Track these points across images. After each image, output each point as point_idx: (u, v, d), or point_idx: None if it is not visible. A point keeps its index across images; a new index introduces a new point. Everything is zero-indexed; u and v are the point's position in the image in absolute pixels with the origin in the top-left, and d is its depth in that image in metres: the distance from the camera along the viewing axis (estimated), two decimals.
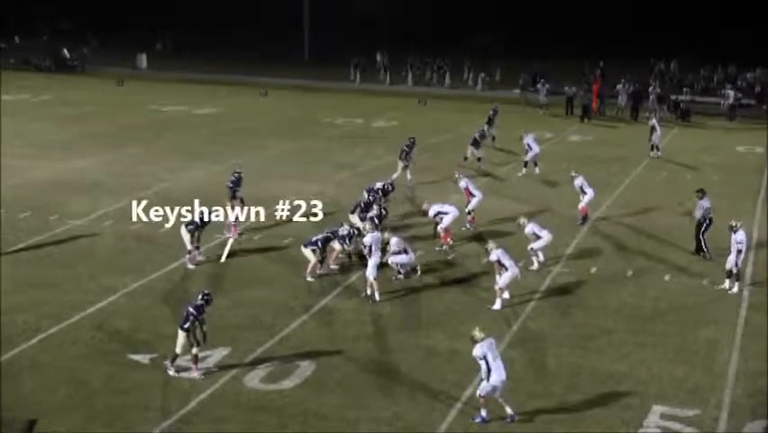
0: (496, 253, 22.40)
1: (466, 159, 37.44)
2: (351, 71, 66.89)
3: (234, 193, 28.24)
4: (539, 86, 57.32)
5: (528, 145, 37.17)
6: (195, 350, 18.50)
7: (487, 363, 16.86)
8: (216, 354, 19.45)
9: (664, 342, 20.75)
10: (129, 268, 24.74)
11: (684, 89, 55.32)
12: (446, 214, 26.81)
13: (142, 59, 71.63)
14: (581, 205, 29.76)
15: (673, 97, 55.44)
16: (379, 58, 69.54)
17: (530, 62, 65.10)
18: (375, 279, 22.89)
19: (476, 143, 37.67)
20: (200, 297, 18.90)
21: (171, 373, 18.51)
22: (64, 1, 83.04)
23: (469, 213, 28.83)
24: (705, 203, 26.92)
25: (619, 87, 55.92)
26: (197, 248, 24.97)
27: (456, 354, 19.74)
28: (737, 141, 45.80)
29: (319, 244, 24.14)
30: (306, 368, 19.04)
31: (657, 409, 17.67)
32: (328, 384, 18.45)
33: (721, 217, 26.63)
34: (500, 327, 21.29)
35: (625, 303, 22.98)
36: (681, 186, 34.52)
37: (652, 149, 40.96)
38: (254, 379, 18.59)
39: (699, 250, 26.60)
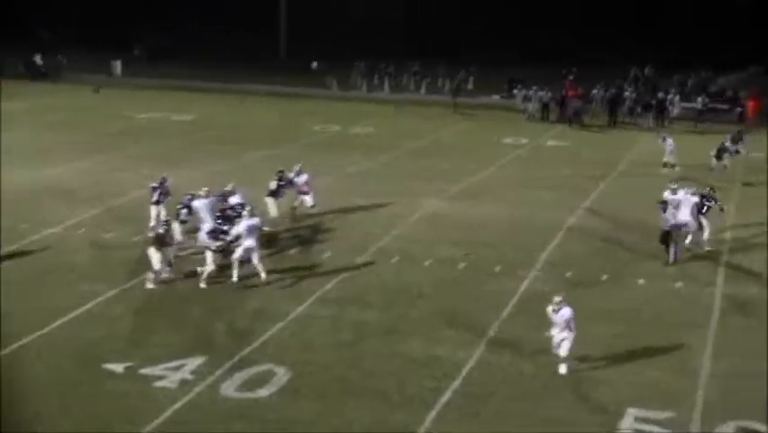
0: (569, 310, 19.41)
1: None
2: (327, 79, 66.76)
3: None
4: (515, 91, 57.57)
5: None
6: None
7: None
8: (192, 363, 19.40)
9: (639, 345, 20.82)
10: (103, 276, 24.65)
11: (660, 93, 55.59)
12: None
13: (117, 66, 71.43)
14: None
15: (651, 102, 55.55)
16: (359, 67, 69.40)
17: (506, 68, 65.22)
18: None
19: None
20: None
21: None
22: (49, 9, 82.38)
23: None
24: (670, 215, 26.91)
25: (595, 92, 56.23)
26: (170, 264, 24.75)
27: (433, 361, 19.77)
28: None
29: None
30: (282, 376, 19.00)
31: (632, 411, 17.73)
32: (305, 392, 18.41)
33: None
34: (477, 331, 21.34)
35: (599, 307, 23.05)
36: (657, 191, 34.54)
37: (664, 165, 39.96)
38: (230, 387, 18.53)
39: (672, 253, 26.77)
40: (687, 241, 27.77)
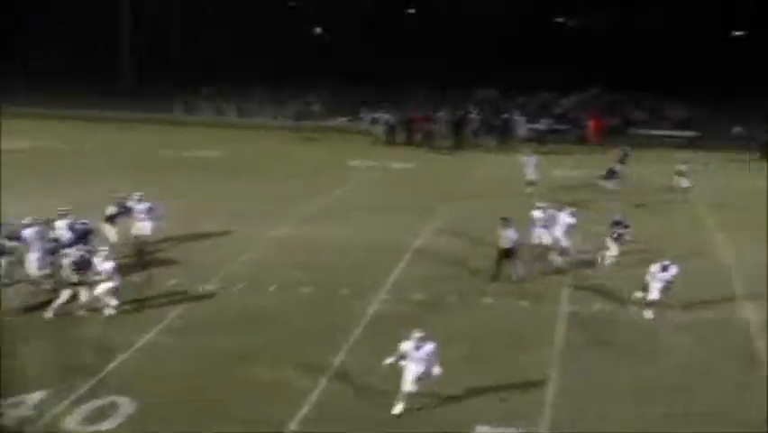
0: (432, 346, 18.77)
1: None
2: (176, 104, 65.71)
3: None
4: (362, 114, 57.87)
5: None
6: None
7: None
8: (32, 399, 18.72)
9: (486, 364, 21.01)
10: None
11: (504, 115, 56.61)
12: None
13: None
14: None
15: (495, 123, 56.48)
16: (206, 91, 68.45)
17: (353, 91, 65.38)
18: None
19: None
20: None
21: None
22: None
23: None
24: (512, 233, 27.25)
25: (441, 114, 56.86)
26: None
27: (280, 387, 19.57)
28: (556, 165, 47.02)
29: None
30: (127, 407, 18.50)
31: (481, 429, 17.88)
32: (150, 423, 17.96)
33: None
34: (324, 356, 21.19)
35: (448, 327, 23.11)
36: (504, 211, 34.97)
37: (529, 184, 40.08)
38: (73, 421, 17.96)
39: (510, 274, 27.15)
40: (558, 259, 28.41)
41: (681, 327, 23.85)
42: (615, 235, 28.61)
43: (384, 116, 55.45)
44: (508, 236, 27.08)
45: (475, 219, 34.03)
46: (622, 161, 41.48)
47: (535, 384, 20.14)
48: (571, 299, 25.82)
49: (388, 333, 21.17)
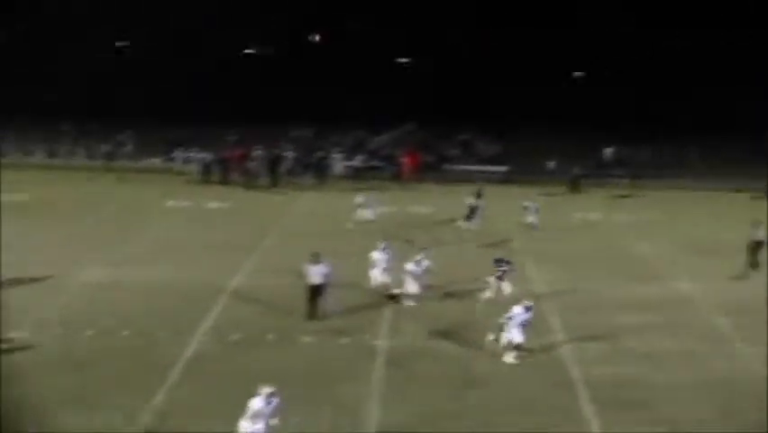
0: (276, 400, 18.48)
1: None
2: None
3: None
4: (176, 153, 57.08)
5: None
6: None
7: None
8: None
9: (309, 401, 20.84)
10: None
11: (319, 153, 56.68)
12: None
13: None
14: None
15: (311, 161, 56.48)
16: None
17: (166, 130, 64.24)
18: None
19: None
20: None
21: None
22: None
23: None
24: (323, 268, 27.24)
25: (258, 152, 56.49)
26: None
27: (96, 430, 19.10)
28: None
29: None
30: None
31: None
32: None
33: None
34: (142, 400, 20.71)
35: (265, 369, 22.87)
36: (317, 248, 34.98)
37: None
38: None
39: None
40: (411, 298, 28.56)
41: (497, 357, 24.24)
42: (499, 274, 28.94)
43: (198, 155, 54.83)
44: (318, 272, 27.01)
45: (293, 257, 33.84)
46: (478, 197, 41.84)
47: (357, 420, 20.21)
48: (390, 334, 25.95)
49: (206, 375, 20.81)
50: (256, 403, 17.92)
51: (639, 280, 32.88)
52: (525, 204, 41.16)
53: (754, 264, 34.50)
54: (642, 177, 56.13)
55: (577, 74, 77.96)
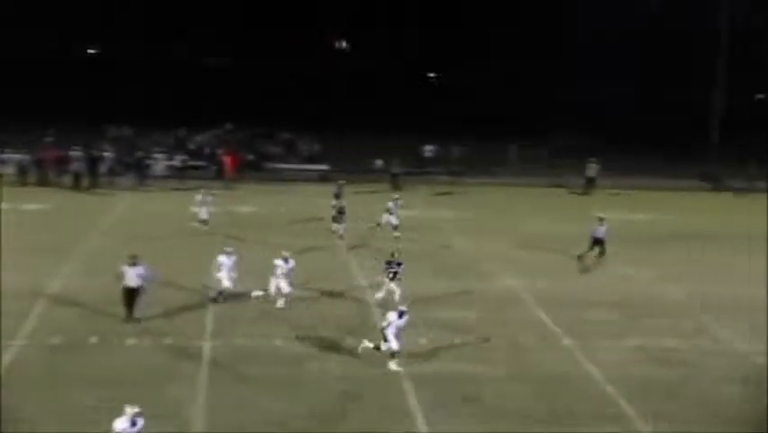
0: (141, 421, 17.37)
1: None
2: None
3: None
4: None
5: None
6: None
7: None
8: None
9: (134, 403, 20.73)
10: None
11: (139, 153, 55.85)
12: None
13: None
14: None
15: (130, 161, 55.66)
16: None
17: None
18: None
19: None
20: None
21: None
22: None
23: None
24: (139, 270, 26.87)
25: (77, 153, 55.21)
26: None
27: None
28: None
29: None
30: None
31: None
32: None
33: None
34: None
35: (90, 371, 22.75)
36: (142, 252, 34.71)
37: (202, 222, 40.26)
38: None
39: None
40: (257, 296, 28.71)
41: (322, 358, 24.69)
42: (390, 275, 29.12)
43: (14, 156, 53.37)
44: (135, 274, 26.74)
45: (114, 259, 33.54)
46: (338, 197, 41.47)
47: (182, 420, 20.29)
48: (214, 335, 26.07)
49: (27, 379, 20.56)
50: (119, 424, 16.97)
51: (462, 277, 33.70)
52: (389, 204, 40.41)
53: (602, 252, 36.37)
54: (461, 174, 57.67)
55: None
